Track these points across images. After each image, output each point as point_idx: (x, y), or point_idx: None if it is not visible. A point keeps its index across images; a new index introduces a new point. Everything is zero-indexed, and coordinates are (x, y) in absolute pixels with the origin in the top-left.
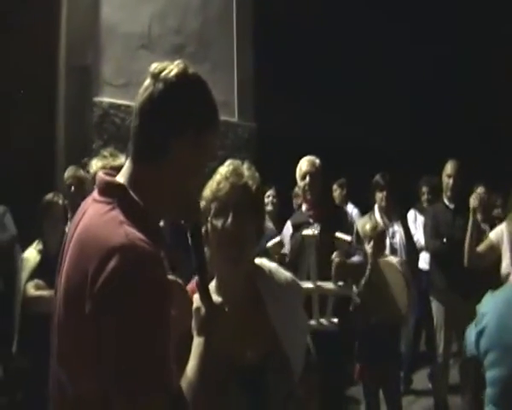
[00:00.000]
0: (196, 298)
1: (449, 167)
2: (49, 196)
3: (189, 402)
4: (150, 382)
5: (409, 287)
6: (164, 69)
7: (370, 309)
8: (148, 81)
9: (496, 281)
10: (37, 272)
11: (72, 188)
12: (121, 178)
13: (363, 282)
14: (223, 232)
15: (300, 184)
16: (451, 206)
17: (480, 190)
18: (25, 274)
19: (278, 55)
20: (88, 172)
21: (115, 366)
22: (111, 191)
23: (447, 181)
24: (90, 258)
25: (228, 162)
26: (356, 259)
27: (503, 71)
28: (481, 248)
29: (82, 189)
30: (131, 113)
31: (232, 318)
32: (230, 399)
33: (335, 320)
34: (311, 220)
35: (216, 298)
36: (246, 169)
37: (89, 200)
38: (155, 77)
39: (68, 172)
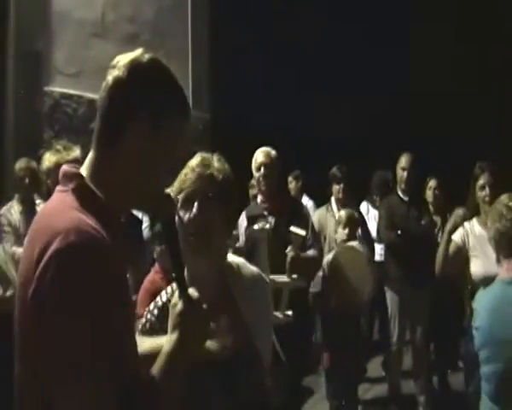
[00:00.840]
0: (175, 294)
1: (403, 160)
2: None
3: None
4: (89, 378)
5: (372, 271)
6: (123, 58)
7: (332, 295)
8: (108, 72)
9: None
10: None
11: (26, 180)
12: (83, 168)
13: (325, 269)
14: (189, 223)
15: (256, 175)
16: (405, 198)
17: (432, 183)
18: None
19: (235, 45)
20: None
21: (53, 362)
22: (68, 180)
23: (401, 174)
24: (38, 244)
25: (197, 155)
26: (311, 253)
27: (462, 62)
28: (450, 254)
29: (36, 181)
30: (84, 103)
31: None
32: (204, 393)
33: (290, 313)
34: (265, 213)
35: (193, 292)
36: (215, 160)
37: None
38: (114, 66)
39: (20, 164)
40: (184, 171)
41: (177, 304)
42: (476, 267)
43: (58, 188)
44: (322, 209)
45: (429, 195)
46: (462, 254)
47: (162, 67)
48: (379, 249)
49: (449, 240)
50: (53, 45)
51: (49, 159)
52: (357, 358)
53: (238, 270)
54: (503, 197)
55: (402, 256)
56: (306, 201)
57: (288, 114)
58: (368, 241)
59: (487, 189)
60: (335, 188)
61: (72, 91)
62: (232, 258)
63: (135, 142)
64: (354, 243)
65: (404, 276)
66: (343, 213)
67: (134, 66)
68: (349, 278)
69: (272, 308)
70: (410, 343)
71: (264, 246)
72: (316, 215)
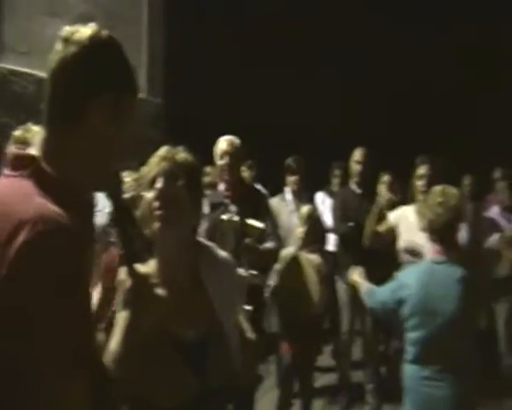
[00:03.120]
0: (123, 270)
1: (357, 154)
2: None
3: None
4: (58, 372)
5: (322, 286)
6: (76, 32)
7: (285, 304)
8: (59, 45)
9: (394, 263)
10: None
11: None
12: (34, 149)
13: (280, 267)
14: (153, 199)
15: (218, 163)
16: (359, 191)
17: (386, 178)
18: None
19: (190, 32)
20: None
21: (20, 354)
22: (20, 164)
23: (355, 167)
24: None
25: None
26: (268, 245)
27: (419, 60)
28: (381, 228)
29: None
30: (33, 81)
31: (171, 293)
32: (173, 374)
33: (249, 308)
34: (227, 201)
35: (145, 269)
36: (178, 151)
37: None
38: (67, 40)
39: None
40: (150, 160)
41: (126, 280)
42: (402, 242)
43: (7, 173)
44: (277, 199)
45: (382, 189)
46: (393, 234)
47: (119, 45)
48: (333, 240)
49: (375, 212)
50: (5, 22)
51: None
52: (315, 347)
53: (210, 252)
54: (437, 190)
55: (354, 247)
56: None
57: (241, 102)
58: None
59: (424, 179)
60: (290, 179)
61: (21, 69)
62: (203, 240)
63: (96, 121)
64: (305, 254)
65: (356, 266)
66: (304, 209)
67: (95, 42)
68: (296, 288)
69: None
70: (360, 333)
71: (230, 237)
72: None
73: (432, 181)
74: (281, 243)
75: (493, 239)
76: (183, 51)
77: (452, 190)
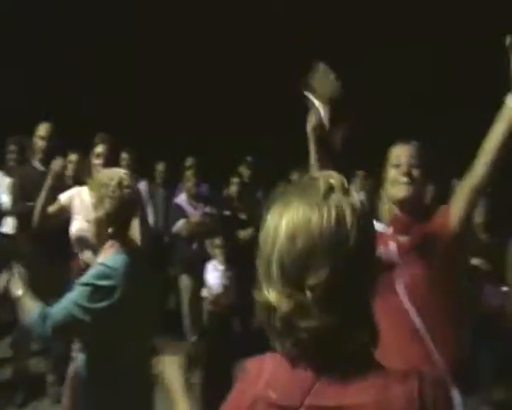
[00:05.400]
0: None
1: (42, 129)
2: None
3: None
4: None
5: None
6: None
7: None
8: None
9: None
10: None
11: None
12: None
13: None
14: None
15: None
16: (42, 169)
17: (73, 157)
18: None
19: None
20: None
21: None
22: None
23: (39, 143)
24: None
25: None
26: None
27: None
28: (51, 208)
29: None
30: None
31: None
32: None
33: None
34: None
35: None
36: None
37: None
38: None
39: None
40: None
41: None
42: (73, 228)
43: None
44: None
45: (70, 167)
46: (64, 214)
47: None
48: (12, 223)
49: (48, 190)
50: None
51: None
52: None
53: None
54: (111, 175)
55: (31, 229)
56: None
57: None
58: None
59: (101, 158)
60: None
61: None
62: None
63: None
64: None
65: (36, 250)
66: None
67: None
68: None
69: None
70: None
71: None
72: None
73: (109, 161)
74: None
75: (179, 225)
76: None
77: (124, 172)
